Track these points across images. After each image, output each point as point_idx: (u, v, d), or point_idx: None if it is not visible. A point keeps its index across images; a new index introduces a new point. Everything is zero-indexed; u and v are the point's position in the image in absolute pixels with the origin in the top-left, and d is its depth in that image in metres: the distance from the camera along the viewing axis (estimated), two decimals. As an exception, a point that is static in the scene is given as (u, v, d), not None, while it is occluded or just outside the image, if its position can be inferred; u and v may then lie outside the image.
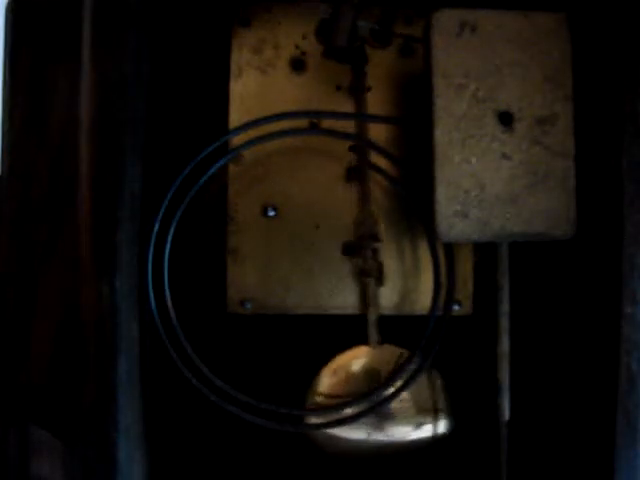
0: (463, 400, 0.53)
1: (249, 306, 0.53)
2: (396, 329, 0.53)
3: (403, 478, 0.53)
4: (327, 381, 0.51)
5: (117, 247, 0.43)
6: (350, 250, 0.53)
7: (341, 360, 0.52)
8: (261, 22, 0.54)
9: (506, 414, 0.48)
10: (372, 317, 0.52)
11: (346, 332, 0.53)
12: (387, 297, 0.54)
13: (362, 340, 0.52)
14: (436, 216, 0.46)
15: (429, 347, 0.50)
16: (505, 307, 0.48)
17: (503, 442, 0.48)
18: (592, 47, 0.48)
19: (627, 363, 0.44)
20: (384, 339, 0.53)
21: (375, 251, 0.52)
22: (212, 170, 0.49)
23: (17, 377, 0.48)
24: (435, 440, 0.51)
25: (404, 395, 0.50)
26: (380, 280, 0.53)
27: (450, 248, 0.51)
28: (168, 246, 0.48)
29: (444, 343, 0.50)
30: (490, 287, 0.49)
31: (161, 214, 0.48)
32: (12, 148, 0.49)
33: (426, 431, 0.50)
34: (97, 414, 0.43)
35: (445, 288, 0.51)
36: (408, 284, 0.54)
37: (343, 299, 0.54)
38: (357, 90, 0.53)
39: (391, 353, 0.51)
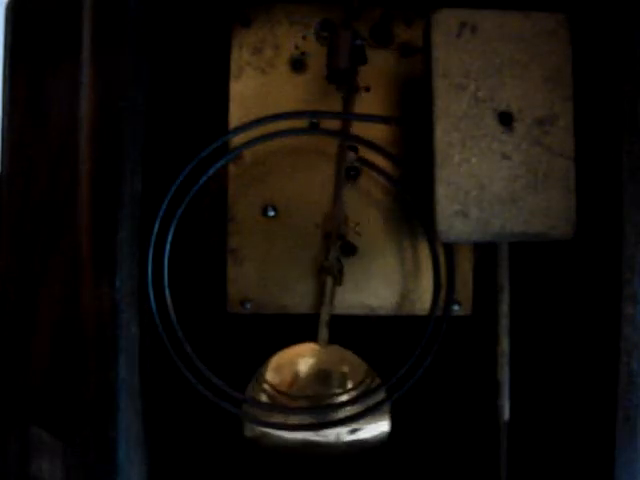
0: (463, 400, 0.53)
1: (249, 306, 0.53)
2: (396, 329, 0.53)
3: (403, 478, 0.53)
4: (275, 374, 0.51)
5: (117, 247, 0.43)
6: (351, 250, 0.53)
7: (289, 355, 0.52)
8: (261, 22, 0.54)
9: (506, 414, 0.48)
10: (325, 316, 0.51)
11: (346, 332, 0.53)
12: (387, 297, 0.54)
13: (362, 339, 0.52)
14: (436, 216, 0.46)
15: (429, 347, 0.50)
16: (505, 307, 0.48)
17: (503, 442, 0.48)
18: (592, 47, 0.48)
19: (627, 363, 0.44)
20: (383, 340, 0.53)
21: (345, 250, 0.52)
22: (212, 170, 0.49)
23: (17, 377, 0.48)
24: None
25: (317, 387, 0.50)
26: (339, 280, 0.52)
27: (450, 248, 0.51)
28: (168, 246, 0.48)
29: (444, 343, 0.50)
30: (490, 287, 0.49)
31: (161, 214, 0.48)
32: (12, 148, 0.49)
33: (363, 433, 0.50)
34: (97, 414, 0.43)
35: (445, 288, 0.51)
36: (408, 284, 0.54)
37: (343, 299, 0.53)
38: (353, 91, 0.53)
39: (337, 353, 0.51)
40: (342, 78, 0.51)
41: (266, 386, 0.51)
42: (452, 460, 0.53)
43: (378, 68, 0.54)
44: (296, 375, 0.51)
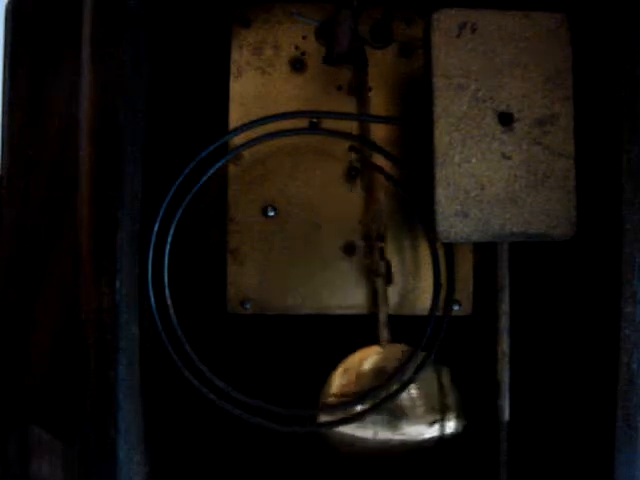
0: (463, 400, 0.53)
1: (249, 306, 0.53)
2: (396, 329, 0.53)
3: (403, 478, 0.53)
4: (338, 382, 0.51)
5: (117, 247, 0.43)
6: (351, 250, 0.53)
7: (352, 360, 0.52)
8: (261, 22, 0.54)
9: (506, 414, 0.48)
10: (382, 316, 0.52)
11: (346, 332, 0.53)
12: (387, 297, 0.54)
13: (362, 340, 0.52)
14: (436, 216, 0.46)
15: (429, 347, 0.50)
16: (505, 307, 0.48)
17: (503, 442, 0.48)
18: (592, 47, 0.48)
19: (627, 363, 0.44)
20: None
21: (382, 250, 0.52)
22: (212, 170, 0.49)
23: (17, 377, 0.48)
24: (444, 439, 0.51)
25: (413, 393, 0.50)
26: (389, 279, 0.52)
27: (450, 248, 0.51)
28: (168, 246, 0.48)
29: (444, 343, 0.50)
30: (490, 287, 0.49)
31: (161, 214, 0.48)
32: (12, 148, 0.49)
33: (436, 430, 0.50)
34: (97, 414, 0.43)
35: (445, 288, 0.51)
36: (408, 284, 0.54)
37: (343, 299, 0.54)
38: (358, 90, 0.53)
39: (401, 351, 0.51)
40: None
41: (332, 398, 0.51)
42: (452, 460, 0.53)
43: (378, 68, 0.54)
44: (363, 378, 0.51)
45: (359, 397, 0.50)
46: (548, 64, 0.46)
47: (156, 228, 0.47)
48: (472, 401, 0.53)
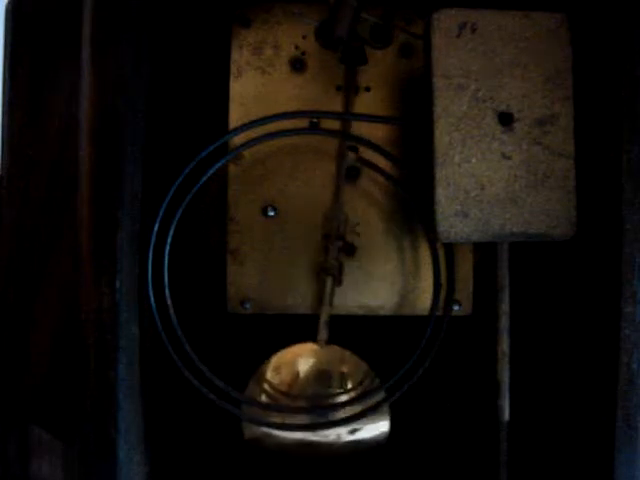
0: (463, 400, 0.53)
1: (249, 306, 0.53)
2: (396, 329, 0.53)
3: (403, 478, 0.53)
4: (274, 374, 0.51)
5: (117, 247, 0.43)
6: (351, 250, 0.53)
7: (289, 355, 0.52)
8: (261, 22, 0.54)
9: (506, 414, 0.48)
10: (324, 316, 0.52)
11: (346, 332, 0.53)
12: (387, 297, 0.54)
13: (361, 339, 0.52)
14: (436, 216, 0.46)
15: (429, 347, 0.50)
16: (505, 307, 0.48)
17: (503, 442, 0.48)
18: (592, 47, 0.48)
19: (627, 363, 0.44)
20: (385, 339, 0.53)
21: (339, 250, 0.52)
22: (212, 170, 0.49)
23: (17, 377, 0.48)
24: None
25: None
26: (339, 280, 0.52)
27: (450, 248, 0.51)
28: (168, 246, 0.48)
29: (444, 343, 0.50)
30: (490, 287, 0.49)
31: (161, 214, 0.48)
32: (12, 148, 0.49)
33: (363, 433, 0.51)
34: (97, 414, 0.43)
35: (445, 288, 0.51)
36: (408, 284, 0.54)
37: (343, 299, 0.53)
38: (353, 90, 0.53)
39: (336, 353, 0.52)
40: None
41: (266, 386, 0.51)
42: (452, 460, 0.53)
43: (378, 68, 0.54)
44: (296, 375, 0.51)
45: (358, 397, 0.50)
46: (548, 64, 0.46)
47: (156, 228, 0.47)
48: (472, 401, 0.53)
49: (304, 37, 0.54)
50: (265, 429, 0.50)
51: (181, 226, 0.49)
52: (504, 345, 0.48)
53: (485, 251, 0.54)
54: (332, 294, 0.52)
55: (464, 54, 0.46)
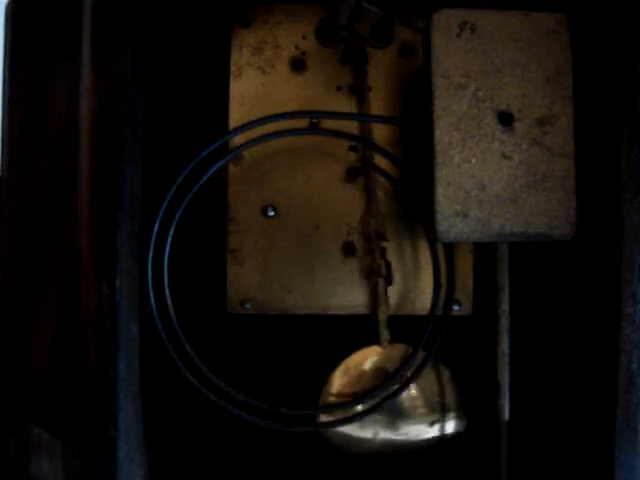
0: (464, 399, 0.53)
1: (249, 306, 0.53)
2: (396, 329, 0.53)
3: (403, 478, 0.53)
4: (338, 381, 0.51)
5: (117, 247, 0.43)
6: (351, 250, 0.53)
7: (352, 360, 0.52)
8: (261, 22, 0.54)
9: (506, 414, 0.48)
10: (382, 316, 0.52)
11: (346, 332, 0.53)
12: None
13: (362, 339, 0.52)
14: (436, 216, 0.46)
15: (429, 347, 0.50)
16: (505, 307, 0.48)
17: (503, 442, 0.48)
18: (592, 47, 0.48)
19: (627, 363, 0.44)
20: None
21: (383, 250, 0.52)
22: (212, 170, 0.49)
23: (17, 377, 0.48)
24: (445, 439, 0.51)
25: (414, 393, 0.50)
26: (389, 279, 0.52)
27: (450, 248, 0.51)
28: (168, 246, 0.48)
29: (444, 343, 0.50)
30: (490, 287, 0.49)
31: (161, 214, 0.48)
32: (12, 148, 0.49)
33: (437, 430, 0.50)
34: (97, 414, 0.43)
35: (445, 288, 0.51)
36: (408, 284, 0.54)
37: (343, 299, 0.54)
38: (358, 90, 0.53)
39: (401, 351, 0.51)
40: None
41: (332, 398, 0.51)
42: (452, 460, 0.53)
43: (378, 68, 0.54)
44: (364, 378, 0.51)
45: (358, 397, 0.50)
46: (548, 64, 0.46)
47: (156, 228, 0.47)
48: (472, 401, 0.53)
49: (304, 37, 0.54)
50: (342, 433, 0.50)
51: (181, 226, 0.49)
52: (504, 345, 0.48)
53: (485, 251, 0.54)
54: (386, 294, 0.52)
55: (464, 54, 0.46)
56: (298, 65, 0.54)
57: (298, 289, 0.54)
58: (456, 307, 0.54)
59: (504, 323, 0.48)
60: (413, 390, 0.51)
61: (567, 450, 0.50)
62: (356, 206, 0.54)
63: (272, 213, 0.53)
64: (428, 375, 0.51)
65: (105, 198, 0.43)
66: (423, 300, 0.53)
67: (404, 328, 0.53)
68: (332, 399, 0.51)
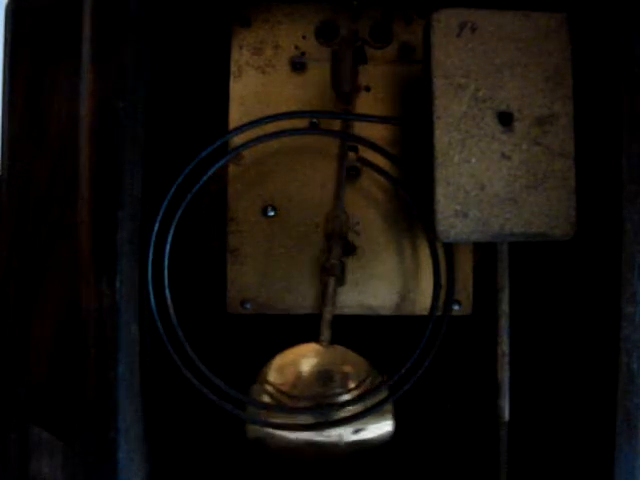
0: (463, 400, 0.53)
1: (249, 306, 0.53)
2: (396, 329, 0.53)
3: (403, 478, 0.53)
4: (277, 375, 0.51)
5: (117, 247, 0.43)
6: (351, 250, 0.53)
7: (291, 355, 0.52)
8: (261, 22, 0.54)
9: (506, 414, 0.48)
10: (327, 316, 0.51)
11: (346, 332, 0.53)
12: (387, 297, 0.54)
13: (362, 340, 0.52)
14: (436, 216, 0.46)
15: (429, 347, 0.50)
16: (505, 307, 0.48)
17: (503, 442, 0.48)
18: (592, 47, 0.48)
19: (627, 363, 0.44)
20: (384, 339, 0.53)
21: (342, 250, 0.52)
22: (212, 170, 0.49)
23: (17, 377, 0.48)
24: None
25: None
26: (341, 280, 0.52)
27: (450, 248, 0.51)
28: (168, 246, 0.48)
29: (444, 343, 0.50)
30: (490, 287, 0.49)
31: (161, 214, 0.48)
32: (12, 148, 0.49)
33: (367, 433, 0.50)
34: (97, 414, 0.43)
35: (445, 288, 0.51)
36: (408, 284, 0.54)
37: (343, 299, 0.54)
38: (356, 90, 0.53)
39: (339, 353, 0.51)
40: (347, 98, 0.51)
41: (268, 387, 0.50)
42: (452, 460, 0.53)
43: (378, 68, 0.54)
44: (299, 375, 0.51)
45: (357, 398, 0.50)
46: (548, 64, 0.46)
47: (156, 228, 0.47)
48: (472, 401, 0.53)
49: (304, 37, 0.54)
50: (268, 430, 0.50)
51: (181, 226, 0.49)
52: (504, 345, 0.48)
53: (485, 251, 0.54)
54: (335, 294, 0.52)
55: (464, 54, 0.46)
56: (298, 65, 0.54)
57: (298, 289, 0.54)
58: (456, 307, 0.54)
59: (504, 323, 0.48)
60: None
61: (567, 450, 0.50)
62: (356, 206, 0.54)
63: (272, 213, 0.53)
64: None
65: (105, 198, 0.43)
66: (423, 300, 0.53)
67: (404, 328, 0.53)
68: (265, 395, 0.50)
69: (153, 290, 0.47)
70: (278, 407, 0.50)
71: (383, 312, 0.54)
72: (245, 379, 0.51)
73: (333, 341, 0.52)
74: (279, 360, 0.51)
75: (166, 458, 0.51)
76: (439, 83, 0.46)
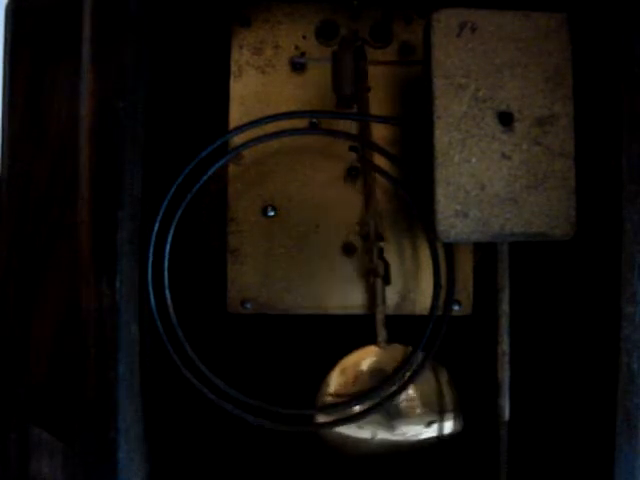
0: (463, 400, 0.53)
1: (249, 306, 0.53)
2: (396, 329, 0.53)
3: (403, 478, 0.53)
4: (335, 381, 0.51)
5: (117, 247, 0.43)
6: (351, 250, 0.53)
7: (349, 360, 0.52)
8: (261, 22, 0.54)
9: (506, 414, 0.48)
10: (380, 316, 0.52)
11: (346, 332, 0.53)
12: (387, 297, 0.54)
13: (362, 340, 0.52)
14: (436, 216, 0.46)
15: (429, 347, 0.50)
16: (505, 307, 0.48)
17: (503, 442, 0.48)
18: (592, 47, 0.48)
19: (627, 363, 0.44)
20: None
21: (381, 250, 0.52)
22: (212, 170, 0.49)
23: (17, 377, 0.48)
24: (443, 439, 0.51)
25: (411, 393, 0.50)
26: (387, 279, 0.52)
27: (450, 248, 0.51)
28: (168, 246, 0.48)
29: (444, 343, 0.50)
30: (490, 287, 0.49)
31: (161, 214, 0.48)
32: (12, 148, 0.49)
33: (434, 430, 0.50)
34: (97, 414, 0.43)
35: (445, 288, 0.51)
36: (408, 284, 0.54)
37: (343, 299, 0.54)
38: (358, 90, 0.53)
39: (399, 352, 0.51)
40: (349, 101, 0.51)
41: (329, 398, 0.51)
42: (452, 460, 0.53)
43: (378, 68, 0.54)
44: (360, 378, 0.51)
45: (356, 398, 0.50)
46: (548, 64, 0.46)
47: (156, 228, 0.47)
48: (472, 401, 0.53)
49: (304, 37, 0.54)
50: (340, 433, 0.50)
51: (181, 226, 0.49)
52: (504, 345, 0.48)
53: (485, 251, 0.54)
54: (384, 294, 0.51)
55: (464, 54, 0.46)
56: (298, 65, 0.54)
57: (298, 289, 0.54)
58: (456, 307, 0.54)
59: (504, 323, 0.48)
60: (411, 390, 0.51)
61: (567, 450, 0.50)
62: (356, 206, 0.54)
63: (272, 213, 0.53)
64: (425, 375, 0.51)
65: (105, 198, 0.43)
66: (423, 300, 0.53)
67: (404, 328, 0.53)
68: (330, 399, 0.51)
69: (153, 290, 0.47)
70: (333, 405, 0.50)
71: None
72: (245, 379, 0.51)
73: (334, 341, 0.52)
74: (340, 366, 0.51)
75: (166, 458, 0.51)
76: (439, 83, 0.46)
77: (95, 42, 0.43)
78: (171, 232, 0.48)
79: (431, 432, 0.50)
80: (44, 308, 0.48)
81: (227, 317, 0.53)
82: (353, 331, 0.53)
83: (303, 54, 0.54)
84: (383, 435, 0.50)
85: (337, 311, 0.53)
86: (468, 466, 0.53)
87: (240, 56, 0.54)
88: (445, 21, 0.46)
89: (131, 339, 0.44)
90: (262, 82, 0.54)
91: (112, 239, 0.43)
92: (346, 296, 0.54)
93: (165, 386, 0.50)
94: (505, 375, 0.48)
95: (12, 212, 0.49)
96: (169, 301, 0.48)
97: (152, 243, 0.47)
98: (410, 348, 0.51)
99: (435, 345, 0.49)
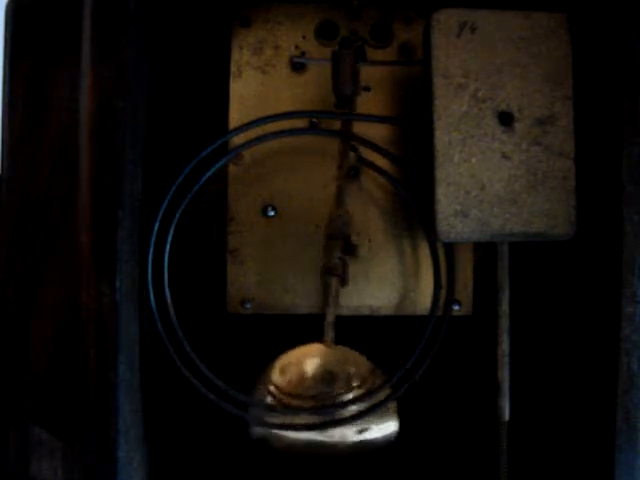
0: (463, 400, 0.53)
1: (249, 306, 0.53)
2: (396, 329, 0.53)
3: (403, 478, 0.53)
4: (280, 375, 0.51)
5: (117, 247, 0.43)
6: (351, 250, 0.53)
7: (295, 356, 0.51)
8: (261, 22, 0.54)
9: (506, 414, 0.48)
10: (330, 317, 0.51)
11: (346, 332, 0.53)
12: (387, 297, 0.54)
13: (362, 340, 0.52)
14: (436, 216, 0.46)
15: (429, 347, 0.50)
16: (505, 307, 0.48)
17: (503, 442, 0.48)
18: (592, 47, 0.48)
19: (627, 363, 0.44)
20: (385, 339, 0.53)
21: (348, 250, 0.51)
22: (212, 170, 0.49)
23: (18, 377, 0.48)
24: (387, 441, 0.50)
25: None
26: (344, 279, 0.51)
27: (450, 248, 0.51)
28: (168, 246, 0.48)
29: (444, 343, 0.50)
30: (490, 287, 0.49)
31: (161, 214, 0.48)
32: (12, 148, 0.49)
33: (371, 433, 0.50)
34: (97, 414, 0.43)
35: (445, 288, 0.51)
36: (408, 284, 0.54)
37: (343, 299, 0.53)
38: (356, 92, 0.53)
39: (345, 354, 0.51)
40: (348, 101, 0.51)
41: (272, 387, 0.50)
42: (452, 460, 0.53)
43: (378, 68, 0.54)
44: (302, 376, 0.51)
45: (361, 396, 0.50)
46: (548, 64, 0.46)
47: (156, 228, 0.47)
48: (472, 401, 0.53)
49: (304, 37, 0.54)
50: (272, 430, 0.50)
51: (181, 226, 0.49)
52: (504, 345, 0.48)
53: (485, 251, 0.54)
54: (338, 294, 0.51)
55: (464, 54, 0.46)
56: (298, 65, 0.54)
57: (298, 289, 0.54)
58: (456, 307, 0.54)
59: (504, 323, 0.48)
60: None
61: (567, 450, 0.50)
62: (356, 206, 0.53)
63: (272, 213, 0.53)
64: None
65: (105, 198, 0.43)
66: (423, 300, 0.53)
67: (404, 328, 0.53)
68: (268, 396, 0.50)
69: (153, 290, 0.47)
70: (281, 408, 0.50)
71: (383, 312, 0.54)
72: (245, 379, 0.51)
73: (335, 341, 0.52)
74: (282, 360, 0.51)
75: (166, 458, 0.51)
76: (439, 83, 0.46)
77: (95, 42, 0.43)
78: (171, 232, 0.48)
79: (361, 437, 0.50)
80: (44, 308, 0.48)
81: (227, 317, 0.53)
82: (353, 331, 0.53)
83: (303, 54, 0.54)
84: (317, 438, 0.50)
85: (337, 311, 0.53)
86: (468, 466, 0.53)
87: (240, 56, 0.54)
88: (445, 21, 0.46)
89: (131, 339, 0.44)
90: (262, 82, 0.54)
91: (112, 239, 0.43)
92: (346, 296, 0.54)
93: (165, 386, 0.50)
94: (505, 375, 0.48)
95: (12, 212, 0.49)
96: (169, 301, 0.48)
97: (152, 243, 0.47)
98: (355, 352, 0.51)
99: (435, 345, 0.49)
